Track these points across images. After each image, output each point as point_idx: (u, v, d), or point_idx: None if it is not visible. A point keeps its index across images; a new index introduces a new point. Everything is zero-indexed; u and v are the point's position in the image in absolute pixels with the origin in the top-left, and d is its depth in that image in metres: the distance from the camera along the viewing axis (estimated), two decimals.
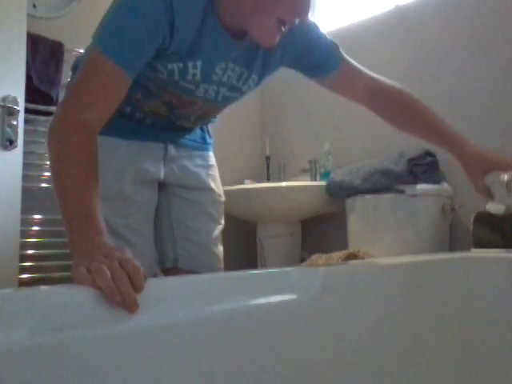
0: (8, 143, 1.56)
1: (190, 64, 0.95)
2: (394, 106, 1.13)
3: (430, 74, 1.98)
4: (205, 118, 1.17)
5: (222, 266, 1.25)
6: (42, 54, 1.84)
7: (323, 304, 0.85)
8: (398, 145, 2.01)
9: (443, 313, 1.08)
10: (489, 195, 1.05)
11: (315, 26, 1.08)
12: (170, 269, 1.19)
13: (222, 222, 1.27)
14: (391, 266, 1.06)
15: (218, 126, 2.62)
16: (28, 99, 1.66)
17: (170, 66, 0.95)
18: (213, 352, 0.69)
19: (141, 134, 1.14)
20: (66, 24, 1.98)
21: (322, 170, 2.23)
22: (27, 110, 1.68)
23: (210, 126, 1.31)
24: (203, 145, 1.27)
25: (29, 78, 1.73)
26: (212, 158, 1.29)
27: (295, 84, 2.50)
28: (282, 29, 0.92)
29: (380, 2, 2.21)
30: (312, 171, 2.28)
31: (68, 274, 1.65)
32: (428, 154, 1.84)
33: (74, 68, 1.19)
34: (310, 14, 0.95)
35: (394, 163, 1.82)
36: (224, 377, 0.70)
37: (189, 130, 1.21)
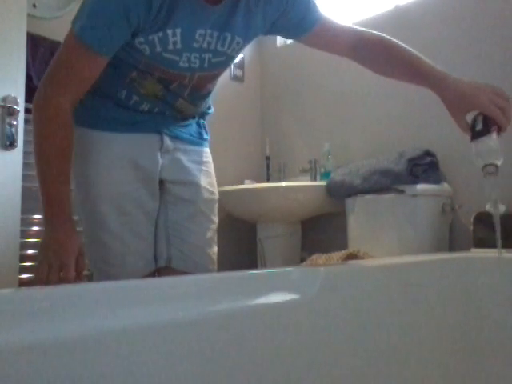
0: (8, 143, 1.56)
1: (170, 32, 0.96)
2: (377, 55, 1.13)
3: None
4: (199, 95, 1.16)
5: (215, 267, 1.24)
6: (42, 54, 1.84)
7: (323, 304, 0.85)
8: (398, 145, 2.02)
9: (443, 313, 1.08)
10: (468, 129, 0.99)
11: None
12: (162, 268, 1.19)
13: (216, 220, 1.26)
14: (391, 265, 1.06)
15: (218, 126, 2.63)
16: (28, 99, 1.66)
17: (150, 37, 0.97)
18: (213, 352, 0.69)
19: (136, 125, 1.14)
20: (66, 24, 1.97)
21: (322, 169, 2.23)
22: (27, 110, 1.67)
23: (206, 122, 1.31)
24: (199, 140, 1.26)
25: (29, 78, 1.72)
26: (207, 154, 1.29)
27: (295, 84, 2.50)
28: None
29: (380, 2, 2.21)
30: (312, 171, 2.28)
31: None
32: (428, 153, 1.84)
33: None
34: None
35: (394, 163, 1.82)
36: (224, 377, 0.70)
37: (185, 117, 1.21)
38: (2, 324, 0.55)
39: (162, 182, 1.20)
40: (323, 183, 2.06)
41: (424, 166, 1.81)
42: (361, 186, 1.88)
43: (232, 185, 2.23)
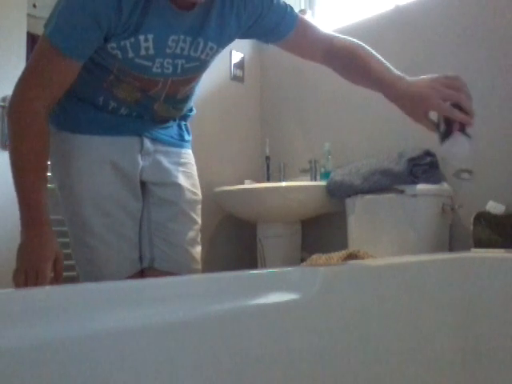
0: (8, 143, 1.56)
1: (141, 37, 0.96)
2: (346, 63, 1.10)
3: (430, 74, 1.97)
4: (175, 99, 1.15)
5: (199, 267, 1.24)
6: None
7: (323, 304, 0.85)
8: (398, 145, 2.01)
9: (443, 313, 1.08)
10: (436, 129, 0.92)
11: None
12: (146, 269, 1.19)
13: (199, 221, 1.26)
14: (391, 265, 1.06)
15: (218, 126, 2.62)
16: None
17: (122, 43, 0.97)
18: (213, 352, 0.69)
19: (116, 127, 1.14)
20: None
21: (322, 169, 2.23)
22: None
23: (188, 123, 1.30)
24: (180, 142, 1.26)
25: None
26: (188, 155, 1.28)
27: (295, 84, 2.50)
28: None
29: (380, 2, 2.21)
30: (312, 171, 2.28)
31: (68, 274, 1.65)
32: (428, 153, 1.84)
33: None
34: None
35: (394, 163, 1.82)
36: (224, 377, 0.70)
37: (165, 119, 1.20)
38: (2, 324, 0.55)
39: (144, 184, 1.20)
40: (323, 183, 2.06)
41: (424, 166, 1.81)
42: (361, 186, 1.89)
43: (232, 185, 2.23)
